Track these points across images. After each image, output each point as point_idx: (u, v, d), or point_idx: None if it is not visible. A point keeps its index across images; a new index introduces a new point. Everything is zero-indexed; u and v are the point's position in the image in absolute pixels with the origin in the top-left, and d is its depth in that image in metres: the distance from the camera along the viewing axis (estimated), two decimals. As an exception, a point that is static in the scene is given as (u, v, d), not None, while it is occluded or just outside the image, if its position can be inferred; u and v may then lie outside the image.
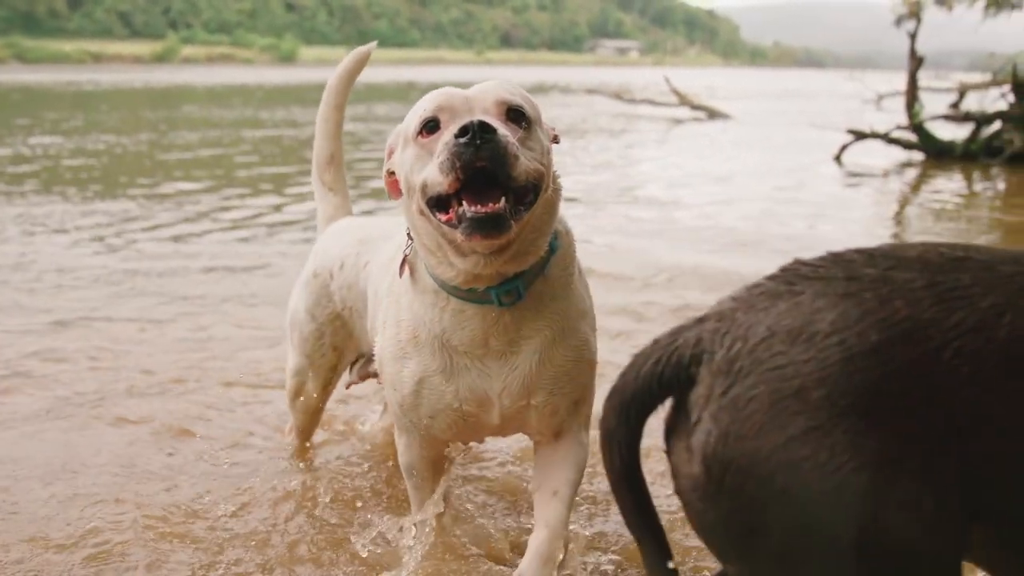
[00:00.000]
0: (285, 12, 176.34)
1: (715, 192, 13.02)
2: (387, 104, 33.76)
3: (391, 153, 2.73)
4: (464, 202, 2.41)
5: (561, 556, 2.86)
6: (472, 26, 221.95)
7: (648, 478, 2.01)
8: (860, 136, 16.81)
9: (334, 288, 3.55)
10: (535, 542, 2.81)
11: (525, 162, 2.43)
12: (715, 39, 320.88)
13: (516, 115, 2.53)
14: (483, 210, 2.38)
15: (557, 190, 2.69)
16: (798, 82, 73.50)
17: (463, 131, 2.35)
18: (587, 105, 32.99)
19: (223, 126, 23.24)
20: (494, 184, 2.40)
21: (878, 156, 17.36)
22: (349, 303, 3.48)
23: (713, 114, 29.03)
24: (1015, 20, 23.04)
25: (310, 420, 4.07)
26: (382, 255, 3.21)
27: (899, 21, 24.20)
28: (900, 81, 21.31)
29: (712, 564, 3.00)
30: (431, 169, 2.45)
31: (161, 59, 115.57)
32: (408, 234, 2.78)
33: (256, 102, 34.62)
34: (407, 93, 43.02)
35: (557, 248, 2.75)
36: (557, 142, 2.75)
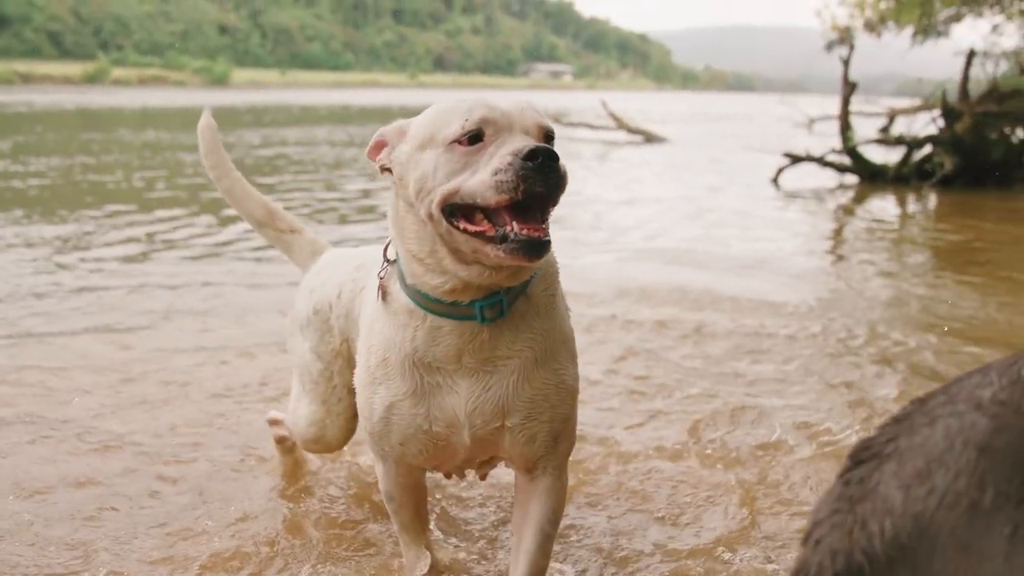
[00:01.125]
0: (218, 35, 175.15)
1: (656, 213, 13.26)
2: (324, 127, 33.75)
3: (380, 147, 2.70)
4: (515, 223, 2.42)
5: None
6: (406, 49, 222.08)
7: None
8: (796, 159, 17.18)
9: (333, 320, 3.43)
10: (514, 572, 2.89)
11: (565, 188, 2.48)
12: (647, 63, 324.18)
13: (549, 141, 2.55)
14: (535, 234, 2.40)
15: None
16: (730, 106, 74.57)
17: (532, 155, 2.37)
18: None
19: (162, 148, 23.05)
20: (533, 204, 2.44)
21: (812, 179, 17.77)
22: (347, 333, 3.37)
23: (650, 137, 29.40)
24: (941, 47, 23.71)
25: (328, 454, 4.04)
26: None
27: (830, 46, 24.82)
28: (830, 105, 21.76)
29: None
30: (476, 182, 2.43)
31: (92, 80, 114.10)
32: (385, 255, 2.80)
33: (192, 124, 34.40)
34: (345, 116, 43.01)
35: (539, 269, 2.74)
36: None
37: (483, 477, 3.54)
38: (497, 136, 2.48)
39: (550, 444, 2.80)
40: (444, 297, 2.61)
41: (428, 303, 2.64)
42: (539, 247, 2.40)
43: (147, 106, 49.18)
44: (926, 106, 18.49)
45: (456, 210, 2.47)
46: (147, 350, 5.98)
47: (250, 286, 7.92)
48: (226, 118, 37.96)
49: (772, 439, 4.65)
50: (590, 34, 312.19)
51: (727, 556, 3.48)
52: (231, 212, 5.12)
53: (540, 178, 2.37)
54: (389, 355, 2.74)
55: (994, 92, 16.74)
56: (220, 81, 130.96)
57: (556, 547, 3.34)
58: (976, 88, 17.31)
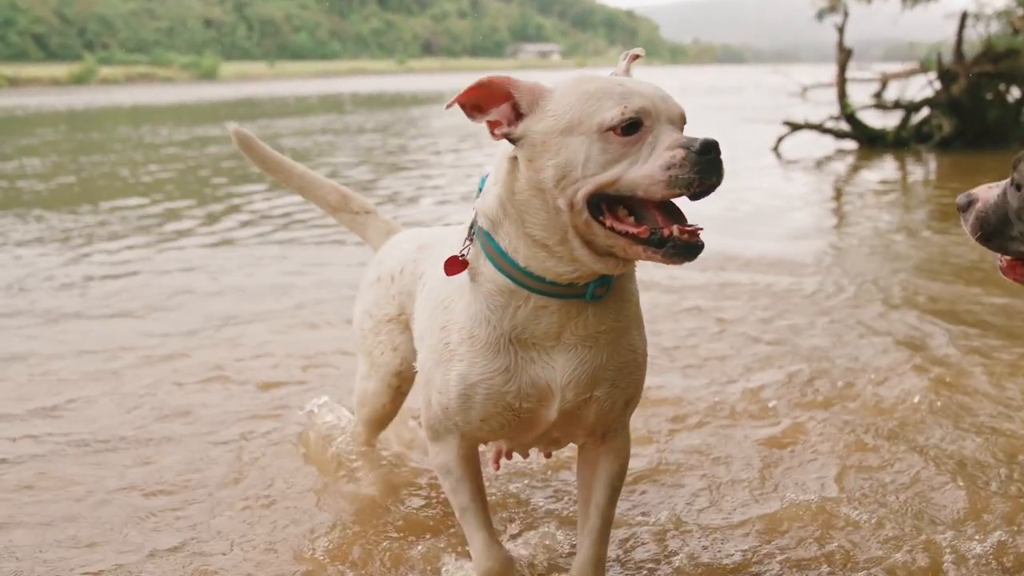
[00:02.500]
0: (203, 29, 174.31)
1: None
2: (320, 117, 33.81)
3: (500, 98, 2.51)
4: (675, 226, 2.41)
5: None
6: (393, 36, 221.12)
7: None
8: (795, 127, 17.32)
9: (393, 292, 3.50)
10: (584, 547, 2.97)
11: None
12: (635, 39, 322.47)
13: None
14: (693, 239, 2.41)
15: None
16: (721, 78, 74.47)
17: (707, 148, 2.34)
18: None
19: (177, 144, 23.12)
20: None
21: (812, 146, 17.89)
22: (408, 309, 3.39)
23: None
24: (931, 10, 23.79)
25: (375, 430, 3.97)
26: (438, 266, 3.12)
27: (820, 15, 24.85)
28: (822, 73, 21.85)
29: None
30: (642, 175, 2.37)
31: (79, 81, 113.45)
32: (470, 234, 2.71)
33: (193, 120, 34.37)
34: (339, 105, 42.99)
35: None
36: None
37: (548, 455, 3.70)
38: (653, 126, 2.42)
39: (624, 409, 2.86)
40: (569, 281, 2.58)
41: (537, 284, 2.60)
42: (698, 249, 2.41)
43: (138, 104, 49.07)
44: (921, 69, 18.62)
45: (600, 201, 2.43)
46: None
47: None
48: (219, 113, 38.02)
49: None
50: (577, 12, 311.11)
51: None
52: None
53: (716, 172, 2.34)
54: (477, 332, 2.70)
55: (989, 52, 16.87)
56: (208, 76, 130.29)
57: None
58: (969, 50, 17.44)
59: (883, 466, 4.12)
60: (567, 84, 2.52)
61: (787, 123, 17.47)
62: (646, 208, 2.43)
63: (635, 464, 3.99)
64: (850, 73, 18.62)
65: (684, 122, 2.50)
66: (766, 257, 8.11)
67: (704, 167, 2.33)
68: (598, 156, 2.40)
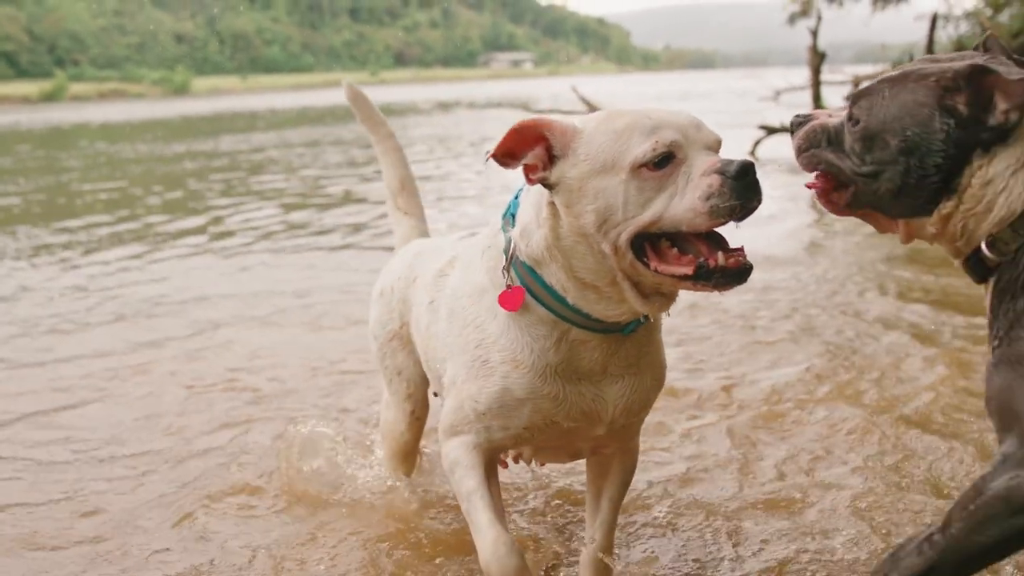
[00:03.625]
0: (175, 44, 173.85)
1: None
2: (297, 129, 33.80)
3: (533, 141, 2.46)
4: (719, 253, 2.36)
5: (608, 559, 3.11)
6: (365, 47, 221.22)
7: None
8: (771, 131, 17.45)
9: (393, 303, 3.47)
10: (597, 537, 3.07)
11: None
12: (607, 46, 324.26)
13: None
14: (741, 263, 2.37)
15: None
16: (694, 84, 74.69)
17: (743, 172, 2.31)
18: (498, 119, 33.22)
19: (166, 160, 23.08)
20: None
21: (789, 149, 18.01)
22: (406, 317, 3.38)
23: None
24: (902, 12, 24.07)
25: (403, 463, 3.79)
26: (429, 270, 3.17)
27: (792, 19, 25.08)
28: (794, 77, 22.08)
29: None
30: (684, 208, 2.34)
31: (50, 98, 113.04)
32: (509, 264, 2.65)
33: (170, 135, 34.27)
34: (316, 117, 42.96)
35: None
36: None
37: (543, 464, 3.74)
38: (687, 156, 2.39)
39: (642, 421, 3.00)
40: (617, 320, 2.58)
41: (583, 321, 2.59)
42: (747, 273, 2.37)
43: (111, 120, 48.92)
44: (893, 71, 18.82)
45: (643, 240, 2.40)
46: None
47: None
48: (195, 128, 37.93)
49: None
50: (548, 20, 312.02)
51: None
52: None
53: (756, 194, 2.32)
54: (521, 357, 2.66)
55: (959, 53, 17.09)
56: (180, 91, 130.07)
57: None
58: (940, 51, 17.65)
59: (907, 457, 4.18)
60: (597, 122, 2.47)
61: (763, 127, 17.60)
62: (687, 239, 2.39)
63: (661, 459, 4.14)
64: (823, 76, 18.83)
65: (719, 147, 2.47)
66: (758, 253, 8.26)
67: (742, 191, 2.30)
68: (636, 196, 2.37)
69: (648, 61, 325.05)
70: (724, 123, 24.65)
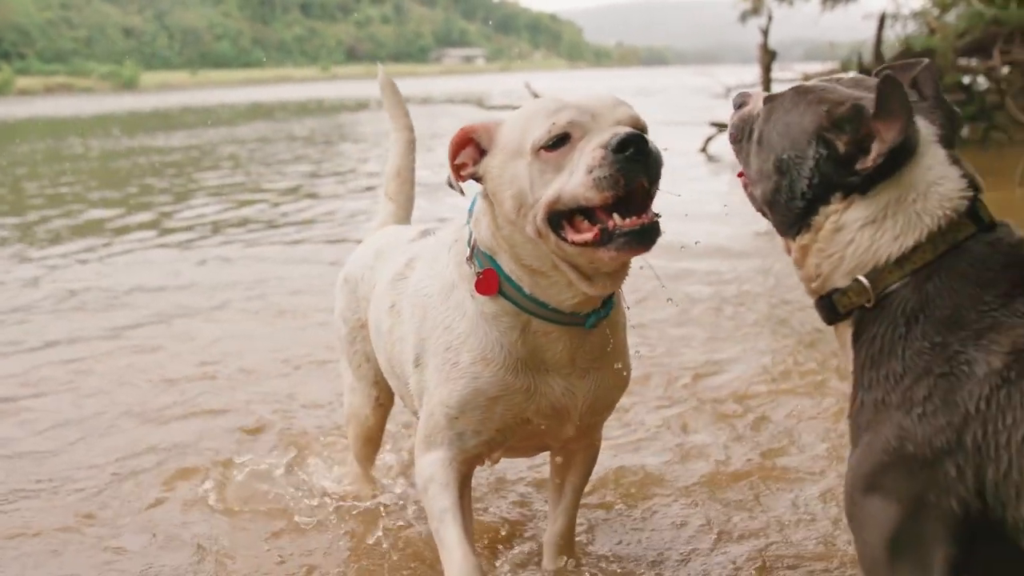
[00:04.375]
0: (123, 38, 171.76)
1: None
2: (249, 125, 33.56)
3: (465, 144, 2.60)
4: (615, 215, 2.35)
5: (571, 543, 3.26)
6: (316, 42, 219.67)
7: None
8: (722, 128, 17.62)
9: (359, 296, 3.46)
10: (559, 520, 3.21)
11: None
12: (559, 43, 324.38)
13: (642, 131, 2.47)
14: (639, 222, 2.35)
15: None
16: (645, 80, 75.06)
17: (623, 145, 2.30)
18: (453, 115, 33.24)
19: (117, 156, 22.85)
20: (631, 193, 2.37)
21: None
22: (365, 318, 3.41)
23: (573, 116, 29.67)
24: (851, 11, 24.36)
25: (365, 448, 3.77)
26: (387, 273, 3.17)
27: (744, 17, 25.28)
28: (746, 74, 22.26)
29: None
30: (576, 183, 2.36)
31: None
32: (470, 259, 2.67)
33: (121, 131, 33.88)
34: (267, 113, 42.69)
35: None
36: None
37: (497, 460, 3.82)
38: (586, 136, 2.40)
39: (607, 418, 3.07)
40: (571, 310, 2.60)
41: (541, 311, 2.61)
42: (650, 233, 2.37)
43: (60, 115, 48.33)
44: (841, 69, 19.07)
45: (560, 218, 2.42)
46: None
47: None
48: (146, 123, 37.56)
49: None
50: (500, 16, 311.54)
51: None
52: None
53: (639, 168, 2.31)
54: (491, 355, 2.67)
55: (906, 52, 17.32)
56: (129, 85, 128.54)
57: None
58: (888, 50, 17.90)
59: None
60: (515, 113, 2.57)
61: (714, 124, 17.79)
62: (602, 213, 2.39)
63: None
64: (774, 73, 19.02)
65: (635, 123, 2.46)
66: (713, 245, 8.52)
67: (623, 165, 2.30)
68: (539, 177, 2.42)
69: (600, 57, 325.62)
70: (678, 120, 24.86)
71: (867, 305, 2.14)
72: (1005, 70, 16.95)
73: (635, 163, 2.30)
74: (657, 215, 2.39)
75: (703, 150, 17.65)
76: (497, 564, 3.40)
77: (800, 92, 2.28)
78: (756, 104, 2.41)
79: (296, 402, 5.16)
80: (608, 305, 2.67)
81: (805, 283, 2.31)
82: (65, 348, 6.26)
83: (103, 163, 20.86)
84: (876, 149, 2.09)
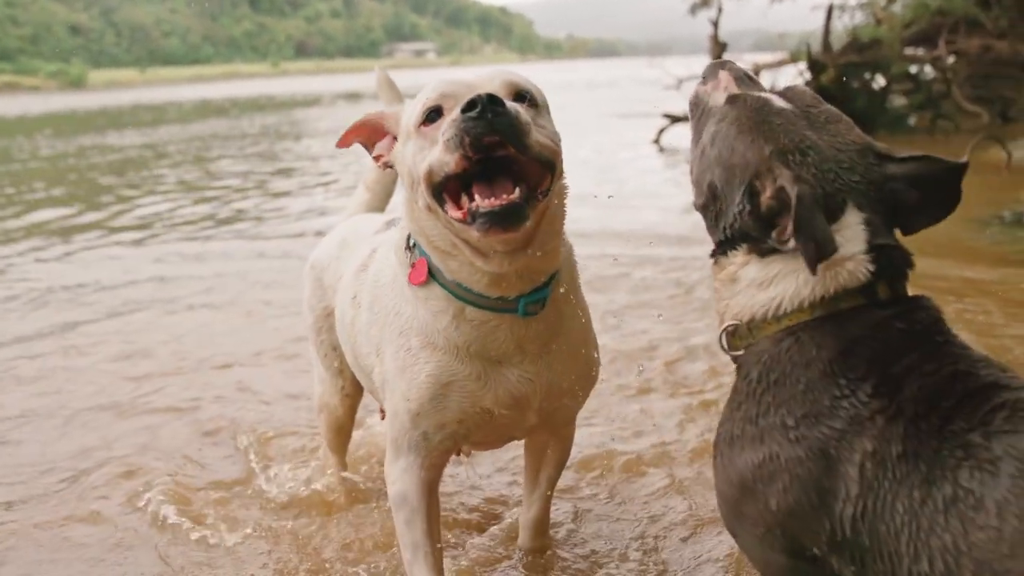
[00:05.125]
0: (70, 36, 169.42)
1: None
2: (201, 123, 33.33)
3: (371, 130, 2.68)
4: (476, 195, 2.29)
5: (545, 530, 3.38)
6: (266, 38, 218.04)
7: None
8: (675, 119, 17.77)
9: (325, 285, 3.44)
10: (533, 508, 3.30)
11: (538, 136, 2.33)
12: (510, 36, 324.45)
13: (523, 99, 2.43)
14: (498, 202, 2.27)
15: (565, 186, 2.64)
16: (596, 72, 75.25)
17: (471, 105, 2.22)
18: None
19: (69, 155, 22.60)
20: (506, 173, 2.30)
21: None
22: (332, 307, 3.39)
23: (526, 109, 29.71)
24: (800, 2, 24.60)
25: (338, 438, 3.82)
26: (351, 265, 3.16)
27: (694, 10, 25.40)
28: (696, 65, 22.33)
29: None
30: (435, 151, 2.32)
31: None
32: (408, 245, 2.67)
33: (71, 130, 33.51)
34: (219, 110, 42.38)
35: (565, 254, 2.72)
36: None
37: (468, 454, 3.77)
38: (455, 107, 2.33)
39: (577, 409, 3.03)
40: (487, 292, 2.54)
41: (467, 295, 2.57)
42: (507, 214, 2.28)
43: (5, 114, 47.65)
44: (791, 60, 19.30)
45: (444, 193, 2.38)
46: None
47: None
48: (95, 122, 37.14)
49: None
50: (451, 10, 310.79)
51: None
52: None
53: (483, 124, 2.21)
54: (435, 339, 2.64)
55: (854, 43, 17.59)
56: (77, 84, 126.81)
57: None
58: (836, 40, 18.13)
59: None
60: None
61: (667, 115, 17.91)
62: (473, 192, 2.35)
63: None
64: (724, 65, 19.15)
65: (516, 92, 2.43)
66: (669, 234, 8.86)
67: (468, 124, 2.22)
68: (418, 154, 2.42)
69: (551, 50, 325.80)
70: (629, 112, 24.99)
71: (742, 351, 2.20)
72: (951, 59, 17.24)
73: (479, 120, 2.21)
74: (521, 195, 2.29)
75: (656, 141, 17.78)
76: (478, 540, 3.51)
77: (760, 114, 2.18)
78: (718, 93, 2.32)
79: (257, 396, 5.22)
80: (543, 291, 2.59)
81: (717, 318, 2.31)
82: (23, 346, 6.30)
83: (53, 163, 20.61)
84: (791, 234, 2.02)
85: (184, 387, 5.43)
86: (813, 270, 1.97)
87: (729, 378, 4.94)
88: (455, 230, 2.42)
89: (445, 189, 2.36)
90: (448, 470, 3.94)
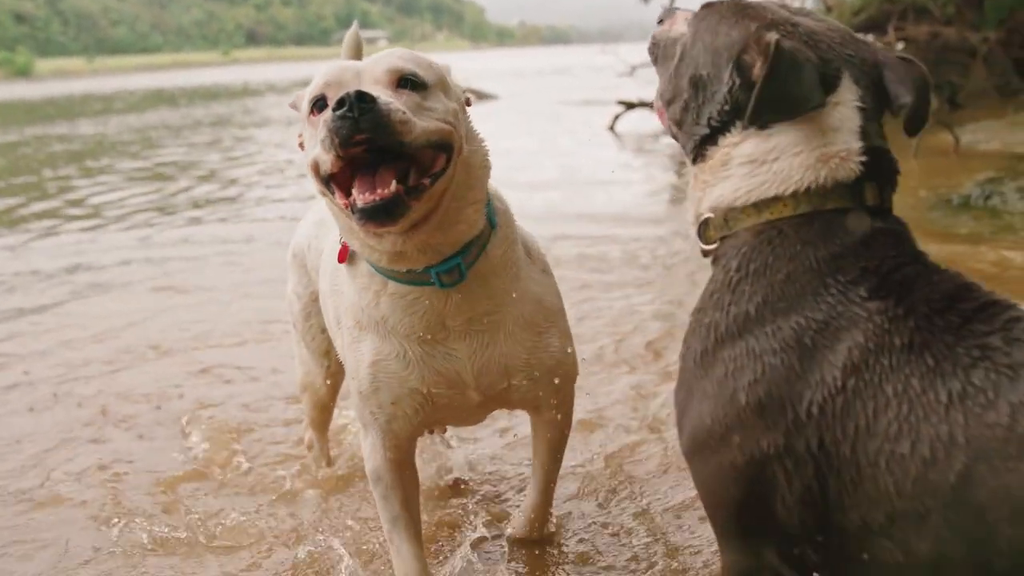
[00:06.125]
0: (14, 24, 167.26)
1: (507, 168, 13.74)
2: (152, 113, 33.06)
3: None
4: (355, 189, 2.27)
5: (545, 528, 3.29)
6: (215, 26, 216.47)
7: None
8: (630, 106, 17.86)
9: (310, 267, 3.39)
10: (530, 496, 3.26)
11: (422, 124, 2.29)
12: (461, 23, 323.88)
13: (409, 82, 2.37)
14: (371, 197, 2.23)
15: (481, 155, 2.58)
16: (549, 59, 75.12)
17: (339, 103, 2.18)
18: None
19: (19, 145, 22.40)
20: (395, 159, 2.27)
21: (645, 124, 18.41)
22: (316, 286, 3.33)
23: (481, 96, 29.75)
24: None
25: (321, 415, 3.86)
26: (329, 242, 3.03)
27: (646, -3, 25.52)
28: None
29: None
30: (317, 147, 2.29)
31: None
32: None
33: (19, 119, 33.10)
34: (169, 99, 42.04)
35: (497, 226, 2.63)
36: (469, 104, 2.64)
37: (444, 431, 3.83)
38: (338, 96, 2.27)
39: (550, 394, 2.86)
40: (392, 266, 2.50)
41: (385, 269, 2.54)
42: (384, 210, 2.24)
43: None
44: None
45: (330, 183, 2.35)
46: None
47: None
48: (43, 112, 36.71)
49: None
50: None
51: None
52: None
53: (352, 125, 2.18)
54: (360, 317, 2.66)
55: (805, 28, 17.78)
56: (23, 73, 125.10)
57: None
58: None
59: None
60: None
61: (621, 102, 18.01)
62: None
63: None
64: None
65: (399, 77, 2.38)
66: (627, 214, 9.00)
67: (336, 124, 2.19)
68: (309, 142, 2.39)
69: (503, 37, 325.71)
70: (584, 99, 25.03)
71: (717, 243, 2.12)
72: (900, 46, 17.46)
73: (344, 120, 2.17)
74: (399, 189, 2.25)
75: (611, 128, 17.89)
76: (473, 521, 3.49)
77: (739, 5, 2.15)
78: (678, 24, 2.30)
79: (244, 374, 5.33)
80: (453, 259, 2.51)
81: (690, 213, 2.23)
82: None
83: (3, 152, 20.44)
84: (759, 70, 2.00)
85: (144, 370, 5.51)
86: (756, 118, 1.99)
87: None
88: (345, 215, 2.38)
89: (333, 179, 2.32)
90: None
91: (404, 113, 2.24)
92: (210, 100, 39.00)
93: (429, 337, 2.60)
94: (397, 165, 2.27)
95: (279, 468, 4.07)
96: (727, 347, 1.99)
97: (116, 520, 3.62)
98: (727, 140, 2.09)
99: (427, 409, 2.71)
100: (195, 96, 42.84)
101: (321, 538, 3.34)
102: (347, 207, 2.29)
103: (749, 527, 2.02)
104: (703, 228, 2.15)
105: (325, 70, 2.42)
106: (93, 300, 7.17)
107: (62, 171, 16.40)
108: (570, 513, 3.56)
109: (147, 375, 5.41)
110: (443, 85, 2.49)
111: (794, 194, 2.01)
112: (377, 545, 3.31)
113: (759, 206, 2.04)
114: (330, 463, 4.01)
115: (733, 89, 2.07)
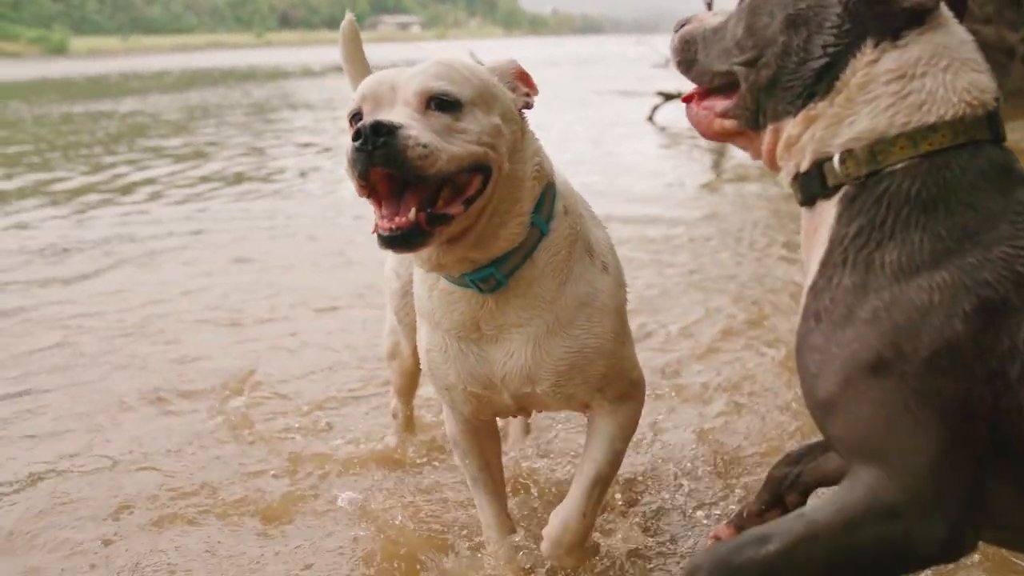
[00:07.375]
0: (52, 2, 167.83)
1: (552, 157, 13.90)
2: (191, 92, 33.25)
3: None
4: (378, 212, 2.28)
5: (577, 536, 2.81)
6: (250, 8, 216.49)
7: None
8: (669, 97, 17.94)
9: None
10: (571, 495, 2.83)
11: (450, 151, 2.25)
12: (495, 10, 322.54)
13: (443, 103, 2.31)
14: (388, 226, 2.23)
15: (533, 164, 2.52)
16: (582, 48, 74.76)
17: (356, 134, 2.18)
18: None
19: (67, 120, 22.67)
20: (417, 185, 2.25)
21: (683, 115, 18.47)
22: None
23: (517, 84, 29.77)
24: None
25: (407, 382, 3.92)
26: None
27: (683, -14, 25.54)
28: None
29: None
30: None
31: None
32: None
33: (62, 97, 33.35)
34: (206, 79, 42.20)
35: (549, 231, 2.55)
36: (529, 107, 2.58)
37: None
38: (375, 111, 2.31)
39: (592, 395, 2.73)
40: (432, 271, 2.55)
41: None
42: (401, 240, 2.24)
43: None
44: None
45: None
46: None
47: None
48: (83, 90, 36.86)
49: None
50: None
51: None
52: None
53: (366, 159, 2.18)
54: (420, 308, 2.72)
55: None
56: (58, 51, 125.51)
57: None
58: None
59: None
60: None
61: (660, 93, 18.08)
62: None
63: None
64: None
65: (428, 98, 2.32)
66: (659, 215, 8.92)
67: (354, 156, 2.20)
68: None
69: (536, 25, 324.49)
70: (620, 90, 24.99)
71: (860, 180, 1.92)
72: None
73: (360, 154, 2.17)
74: (419, 217, 2.23)
75: (650, 119, 17.99)
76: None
77: None
78: (708, 19, 2.20)
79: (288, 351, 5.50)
80: (486, 269, 2.48)
81: (784, 162, 2.07)
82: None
83: (54, 128, 20.73)
84: None
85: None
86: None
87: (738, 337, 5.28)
88: None
89: (371, 192, 2.30)
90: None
91: (424, 147, 2.19)
92: (247, 81, 39.17)
93: (465, 336, 2.62)
94: (424, 189, 2.25)
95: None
96: (919, 277, 1.80)
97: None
98: (861, 61, 1.92)
99: (473, 403, 2.76)
100: (231, 77, 42.97)
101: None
102: (374, 230, 2.28)
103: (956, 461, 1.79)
104: (831, 166, 1.95)
105: (365, 83, 2.40)
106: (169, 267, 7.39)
107: (113, 147, 16.69)
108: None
109: (229, 350, 5.52)
110: (483, 98, 2.40)
111: (952, 123, 1.87)
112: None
113: (914, 137, 1.87)
114: (413, 431, 4.13)
115: (849, 4, 1.93)
